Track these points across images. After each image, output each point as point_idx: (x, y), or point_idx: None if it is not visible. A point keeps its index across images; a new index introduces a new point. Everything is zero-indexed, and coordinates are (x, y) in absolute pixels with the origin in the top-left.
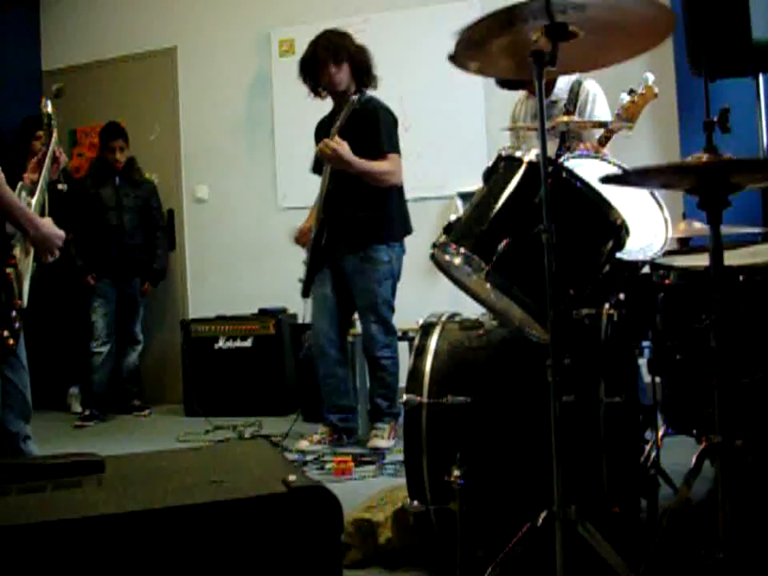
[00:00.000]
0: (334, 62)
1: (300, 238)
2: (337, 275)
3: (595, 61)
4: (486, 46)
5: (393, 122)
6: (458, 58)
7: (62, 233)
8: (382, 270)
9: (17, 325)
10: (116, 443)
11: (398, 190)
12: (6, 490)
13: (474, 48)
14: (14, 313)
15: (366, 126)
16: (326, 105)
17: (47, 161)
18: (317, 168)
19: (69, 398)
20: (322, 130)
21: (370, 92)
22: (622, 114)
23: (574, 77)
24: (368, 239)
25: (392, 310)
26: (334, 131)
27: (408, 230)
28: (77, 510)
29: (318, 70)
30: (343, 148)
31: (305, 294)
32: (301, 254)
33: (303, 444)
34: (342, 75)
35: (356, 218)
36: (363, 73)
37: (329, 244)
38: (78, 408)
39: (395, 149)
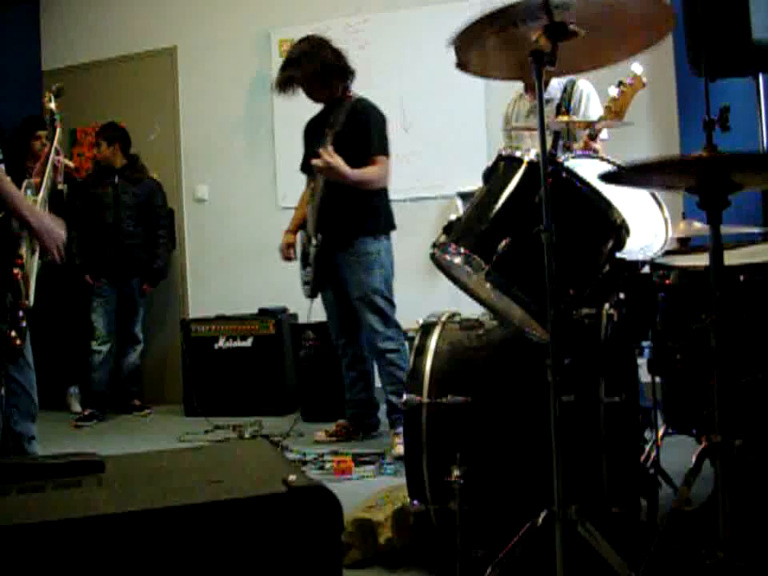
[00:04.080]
0: (305, 90)
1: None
2: (335, 277)
3: (595, 61)
4: (486, 47)
5: (383, 122)
6: (460, 60)
7: (63, 230)
8: (369, 260)
9: (23, 324)
10: (116, 443)
11: None
12: (6, 489)
13: (474, 48)
14: (20, 313)
15: (357, 127)
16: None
17: (50, 160)
18: (305, 167)
19: (69, 397)
20: (312, 130)
21: (362, 93)
22: (612, 106)
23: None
24: (355, 233)
25: (388, 302)
26: (329, 139)
27: (393, 225)
28: (77, 510)
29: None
30: (336, 161)
31: (313, 294)
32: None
33: (319, 435)
34: (318, 95)
35: (346, 216)
36: (342, 76)
37: (324, 246)
38: (77, 408)
39: (384, 151)
